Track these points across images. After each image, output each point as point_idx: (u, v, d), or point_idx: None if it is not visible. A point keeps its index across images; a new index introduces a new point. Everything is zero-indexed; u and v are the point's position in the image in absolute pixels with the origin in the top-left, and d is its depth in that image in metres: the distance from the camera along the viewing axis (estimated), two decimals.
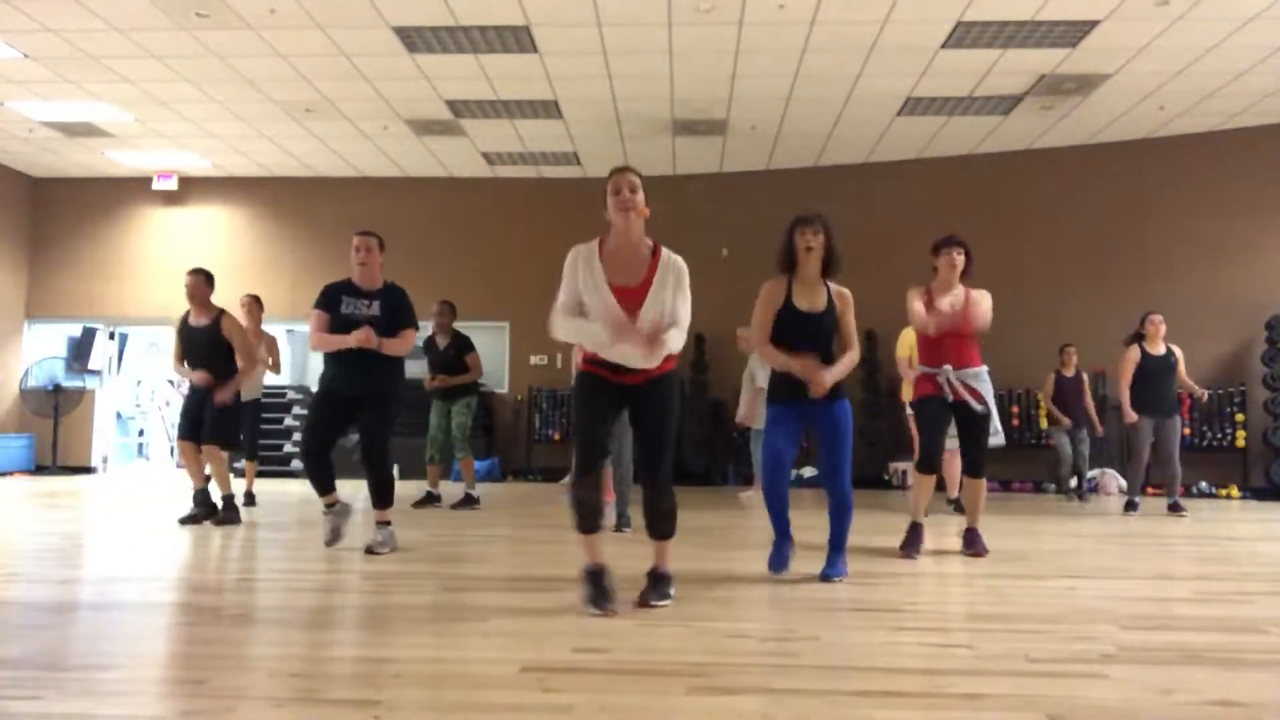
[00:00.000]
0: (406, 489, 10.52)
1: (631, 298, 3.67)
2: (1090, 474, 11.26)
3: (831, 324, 4.56)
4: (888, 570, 4.87)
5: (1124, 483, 11.03)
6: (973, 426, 5.41)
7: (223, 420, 6.74)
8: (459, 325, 8.43)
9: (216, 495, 6.74)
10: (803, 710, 2.42)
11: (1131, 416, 8.24)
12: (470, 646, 3.14)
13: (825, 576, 4.43)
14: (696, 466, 12.47)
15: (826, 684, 2.68)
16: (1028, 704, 2.49)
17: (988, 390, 5.48)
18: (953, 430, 5.60)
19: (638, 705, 2.47)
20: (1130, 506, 8.50)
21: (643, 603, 3.71)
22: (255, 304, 8.49)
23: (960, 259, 5.51)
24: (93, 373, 13.68)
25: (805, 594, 4.12)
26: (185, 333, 6.81)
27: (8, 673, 2.71)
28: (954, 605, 4.01)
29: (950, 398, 5.40)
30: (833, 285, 4.62)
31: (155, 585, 4.30)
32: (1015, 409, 11.81)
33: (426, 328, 8.34)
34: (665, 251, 3.78)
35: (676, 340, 3.67)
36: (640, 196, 3.68)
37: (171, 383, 15.87)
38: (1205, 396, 8.74)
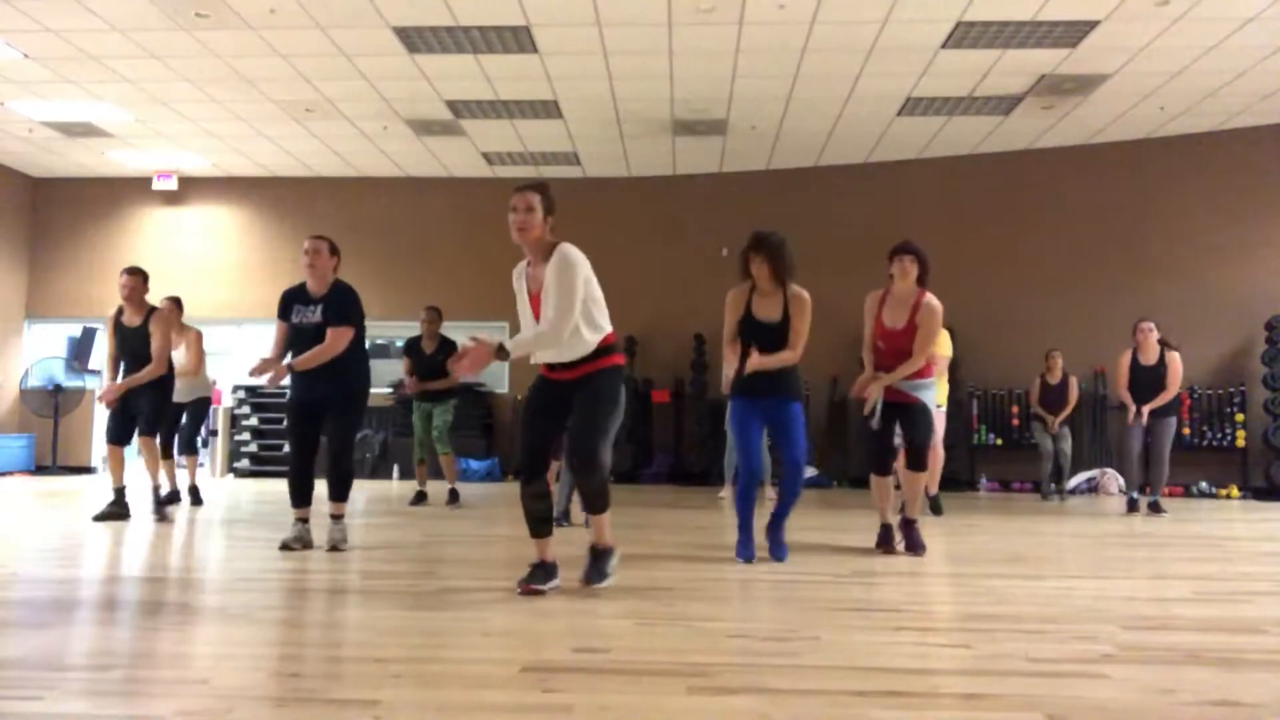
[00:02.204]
0: (407, 489, 10.53)
1: (536, 304, 3.95)
2: (1090, 474, 11.27)
3: (786, 331, 4.89)
4: (888, 570, 4.87)
5: (1124, 483, 11.04)
6: (909, 422, 5.39)
7: (157, 414, 6.84)
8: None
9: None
10: (803, 710, 2.42)
11: (1137, 413, 8.25)
12: (470, 646, 3.14)
13: (777, 558, 4.94)
14: (696, 467, 12.48)
15: (826, 684, 2.68)
16: (1028, 704, 2.49)
17: (930, 398, 5.45)
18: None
19: (638, 705, 2.47)
20: (1132, 505, 8.53)
21: (585, 582, 3.97)
22: (174, 306, 8.30)
23: (913, 268, 5.40)
24: (93, 373, 13.66)
25: (805, 594, 4.12)
26: (120, 332, 6.82)
27: (8, 673, 2.71)
28: (954, 605, 4.01)
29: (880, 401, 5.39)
30: (792, 290, 4.92)
31: (155, 585, 4.30)
32: (1015, 409, 11.81)
33: (411, 330, 8.45)
34: (557, 249, 3.88)
35: (546, 338, 3.82)
36: (535, 216, 3.85)
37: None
38: (1168, 397, 8.49)
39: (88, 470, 13.35)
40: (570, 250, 3.87)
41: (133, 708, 2.45)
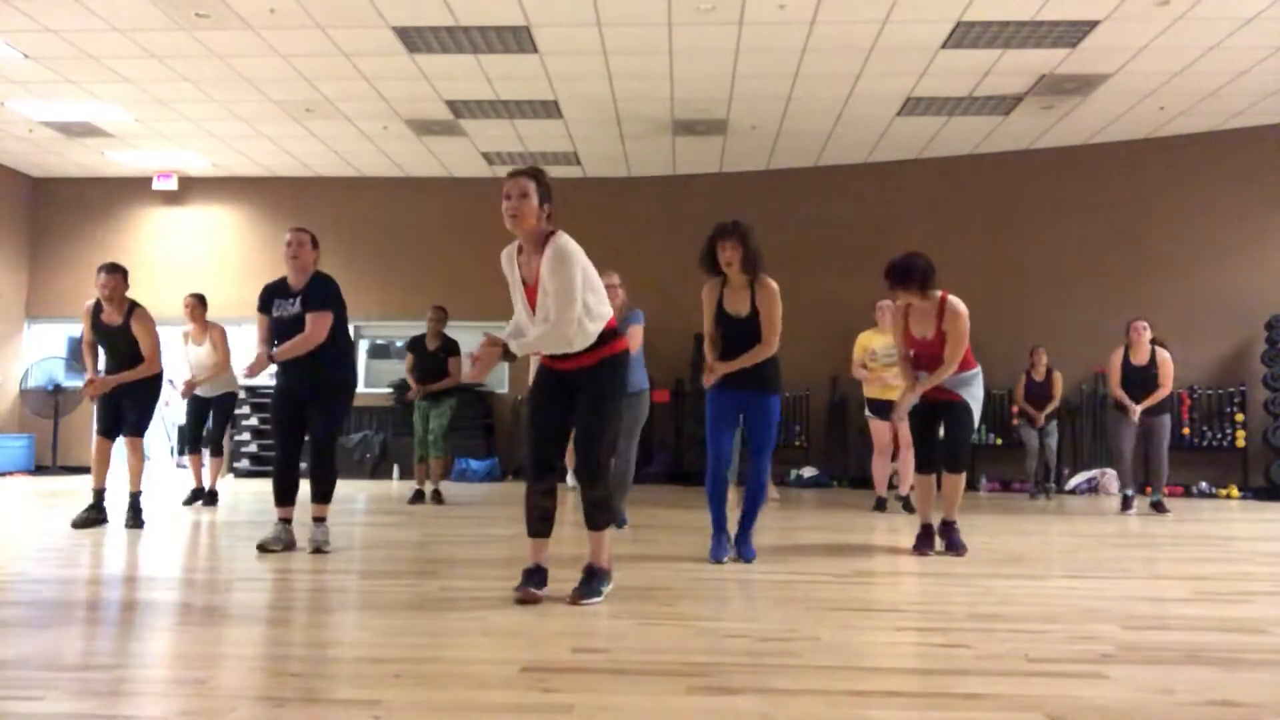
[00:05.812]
0: (408, 489, 10.53)
1: (532, 295, 3.78)
2: (1090, 474, 11.26)
3: (757, 325, 4.82)
4: (888, 570, 4.88)
5: (1120, 482, 11.03)
6: (952, 421, 5.42)
7: (145, 414, 6.69)
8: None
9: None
10: (803, 710, 2.42)
11: (1135, 410, 8.28)
12: (470, 646, 3.14)
13: (746, 559, 4.88)
14: (696, 467, 12.47)
15: (826, 684, 2.68)
16: (1028, 704, 2.49)
17: (975, 394, 5.45)
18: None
19: (638, 705, 2.47)
20: (1126, 504, 8.58)
21: (573, 600, 3.74)
22: (197, 303, 8.34)
23: (912, 292, 5.31)
24: None
25: (805, 594, 4.12)
26: (99, 329, 6.63)
27: (8, 673, 2.71)
28: (954, 605, 4.01)
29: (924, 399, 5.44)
30: (760, 280, 4.84)
31: (154, 585, 4.30)
32: (1015, 409, 11.80)
33: (410, 330, 8.54)
34: (551, 240, 3.70)
35: (550, 339, 3.67)
36: (529, 204, 3.66)
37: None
38: (1163, 394, 8.37)
39: (87, 470, 13.33)
40: (564, 242, 3.67)
41: (132, 708, 2.45)
